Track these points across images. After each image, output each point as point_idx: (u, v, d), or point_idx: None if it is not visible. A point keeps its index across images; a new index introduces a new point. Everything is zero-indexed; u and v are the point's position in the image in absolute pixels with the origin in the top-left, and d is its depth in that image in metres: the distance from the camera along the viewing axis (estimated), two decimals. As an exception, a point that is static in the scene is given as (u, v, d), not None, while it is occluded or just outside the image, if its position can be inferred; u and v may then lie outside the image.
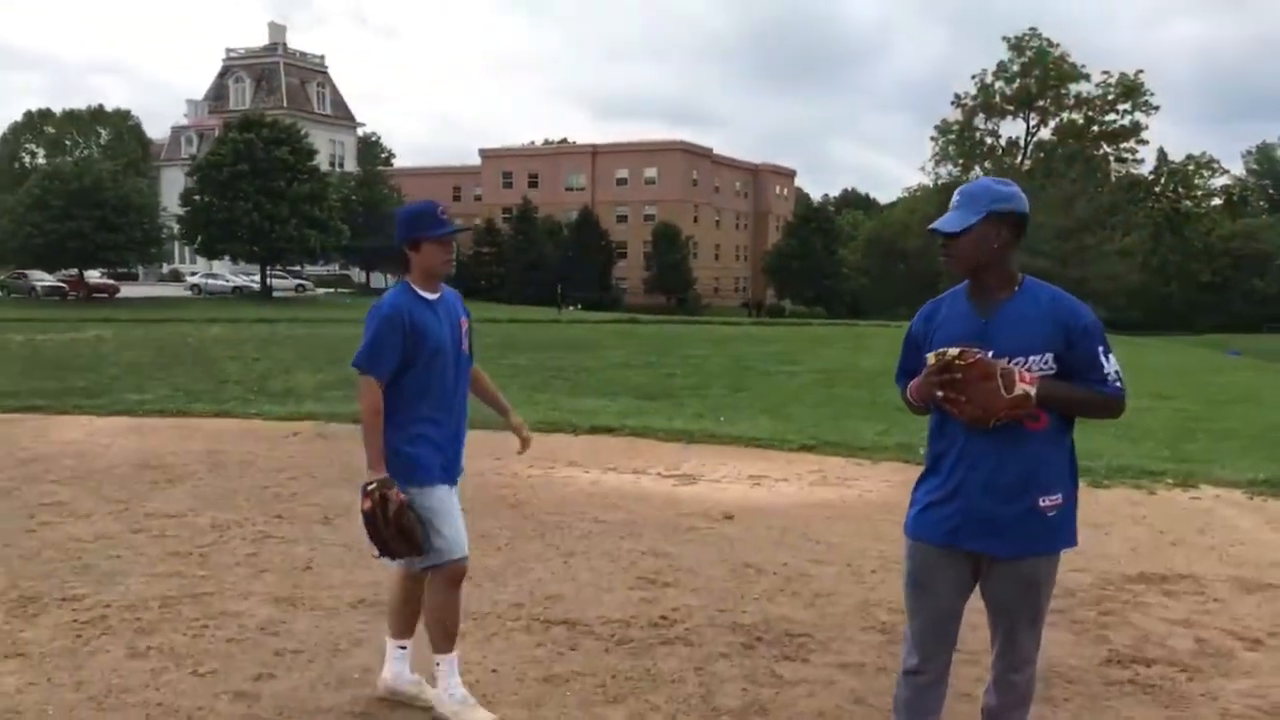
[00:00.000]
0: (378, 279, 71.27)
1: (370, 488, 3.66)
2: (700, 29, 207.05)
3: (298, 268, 62.15)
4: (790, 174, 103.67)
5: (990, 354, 2.93)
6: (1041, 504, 2.95)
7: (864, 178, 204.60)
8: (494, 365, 17.87)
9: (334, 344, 22.94)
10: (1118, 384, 2.98)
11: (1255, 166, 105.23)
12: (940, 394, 2.93)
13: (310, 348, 22.36)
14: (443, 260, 3.91)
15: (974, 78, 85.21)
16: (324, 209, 54.30)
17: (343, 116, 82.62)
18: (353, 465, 8.65)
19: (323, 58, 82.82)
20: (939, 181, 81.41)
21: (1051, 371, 2.95)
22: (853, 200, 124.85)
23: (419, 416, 3.81)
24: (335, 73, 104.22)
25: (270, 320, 34.82)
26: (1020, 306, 3.00)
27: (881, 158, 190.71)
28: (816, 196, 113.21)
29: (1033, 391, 2.87)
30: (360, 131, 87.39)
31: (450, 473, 3.92)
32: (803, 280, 79.28)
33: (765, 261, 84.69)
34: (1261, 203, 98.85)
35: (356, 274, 72.81)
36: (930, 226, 3.08)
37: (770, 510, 7.38)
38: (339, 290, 65.98)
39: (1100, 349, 2.99)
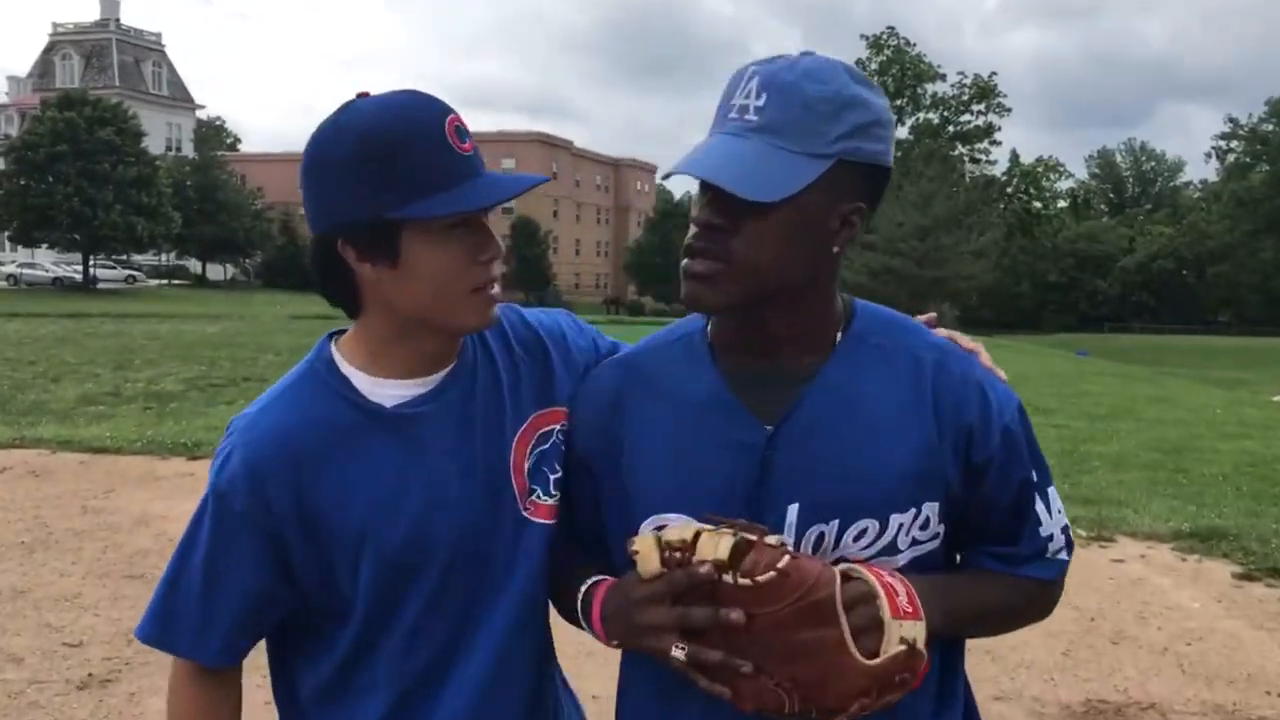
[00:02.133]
0: (215, 270, 67.45)
1: None
2: (557, 23, 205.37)
3: (125, 257, 58.17)
4: (651, 169, 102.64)
5: (789, 529, 1.35)
6: None
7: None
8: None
9: (137, 344, 20.46)
10: (1061, 553, 1.46)
11: (1097, 171, 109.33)
12: (682, 656, 1.25)
13: (106, 350, 19.77)
14: (469, 277, 1.41)
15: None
16: (153, 195, 50.73)
17: (181, 98, 78.21)
18: (55, 526, 6.76)
19: (159, 36, 78.23)
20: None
21: (933, 543, 1.39)
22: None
23: (364, 687, 1.51)
24: (175, 53, 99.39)
25: (82, 315, 31.60)
26: (852, 382, 1.39)
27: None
28: (678, 194, 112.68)
29: (921, 634, 1.24)
30: (203, 115, 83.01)
31: None
32: (663, 276, 78.31)
33: (626, 257, 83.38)
34: (1103, 205, 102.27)
35: (193, 265, 68.76)
36: (681, 172, 1.31)
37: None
38: (172, 282, 62.16)
39: (1033, 476, 1.42)
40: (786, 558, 1.21)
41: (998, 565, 1.44)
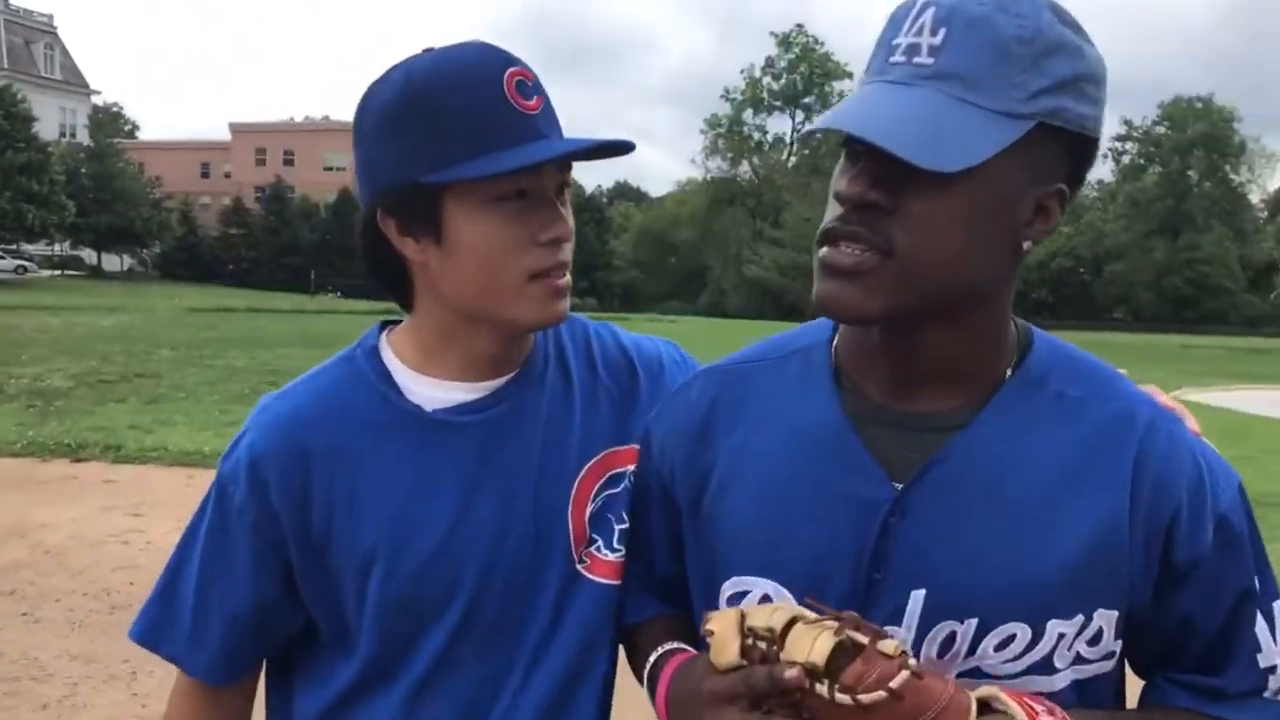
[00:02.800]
0: (111, 261, 65.34)
1: None
2: (474, 14, 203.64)
3: (14, 247, 56.02)
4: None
5: (910, 621, 1.05)
6: None
7: (634, 170, 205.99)
8: (203, 369, 15.29)
9: (25, 338, 19.61)
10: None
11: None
12: None
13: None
14: (525, 260, 1.20)
15: (743, 72, 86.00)
16: (44, 182, 48.87)
17: (75, 82, 75.48)
18: None
19: (51, 17, 75.29)
20: (709, 176, 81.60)
21: (1104, 663, 1.09)
22: (625, 192, 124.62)
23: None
24: (68, 35, 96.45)
25: (-35, 307, 30.31)
26: (1018, 437, 1.08)
27: (651, 150, 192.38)
28: (590, 187, 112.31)
29: None
30: (99, 100, 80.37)
31: None
32: (576, 271, 76.68)
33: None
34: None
35: (88, 255, 66.47)
36: (828, 128, 1.00)
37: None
38: (66, 273, 60.07)
39: (1255, 585, 1.09)
40: (904, 674, 0.92)
41: (1194, 702, 1.10)
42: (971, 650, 1.04)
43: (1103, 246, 73.70)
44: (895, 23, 1.02)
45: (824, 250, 1.03)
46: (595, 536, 1.29)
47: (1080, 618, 1.04)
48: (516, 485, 1.26)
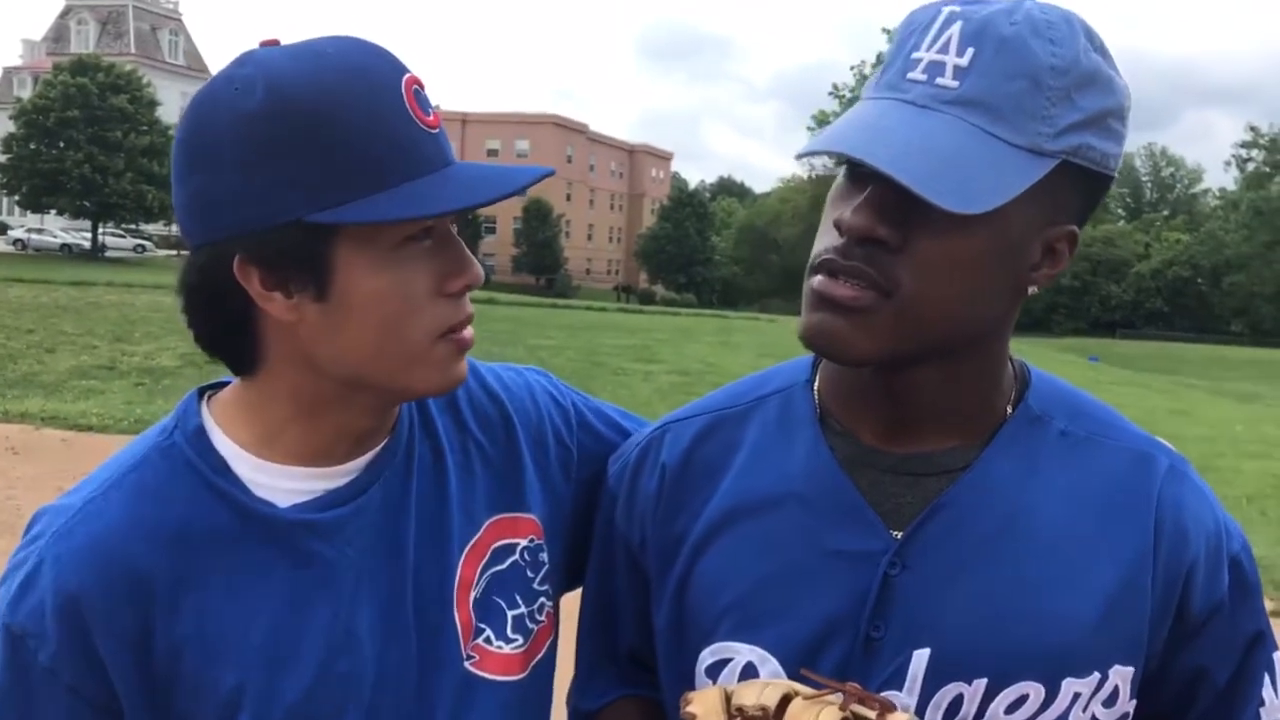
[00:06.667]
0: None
1: None
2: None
3: (135, 226, 58.01)
4: (667, 156, 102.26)
5: (912, 684, 0.95)
6: None
7: (739, 166, 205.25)
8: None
9: (139, 315, 20.20)
10: None
11: (1115, 175, 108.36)
12: None
13: (107, 320, 19.53)
14: (435, 316, 0.98)
15: (853, 69, 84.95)
16: (165, 165, 50.37)
17: (197, 68, 77.85)
18: (27, 510, 6.13)
19: (176, 4, 77.96)
20: (814, 174, 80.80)
21: None
22: (728, 187, 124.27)
23: None
24: (192, 22, 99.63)
25: (87, 284, 31.28)
26: (1023, 480, 0.99)
27: (758, 146, 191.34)
28: (693, 182, 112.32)
29: None
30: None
31: None
32: (675, 265, 77.98)
33: (638, 244, 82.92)
34: (1120, 210, 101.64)
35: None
36: (835, 152, 0.91)
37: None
38: (181, 253, 62.00)
39: (1264, 631, 1.02)
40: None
41: None
42: (980, 714, 0.95)
43: (1222, 256, 71.26)
44: (915, 29, 0.92)
45: (818, 279, 0.93)
46: (483, 626, 1.08)
47: (1096, 675, 0.96)
48: (395, 584, 1.04)
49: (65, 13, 76.33)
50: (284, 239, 0.91)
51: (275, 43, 0.96)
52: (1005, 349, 1.01)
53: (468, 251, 0.98)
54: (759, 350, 22.28)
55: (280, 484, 1.01)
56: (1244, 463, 11.60)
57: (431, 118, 0.95)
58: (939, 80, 0.89)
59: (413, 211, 0.91)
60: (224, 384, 1.08)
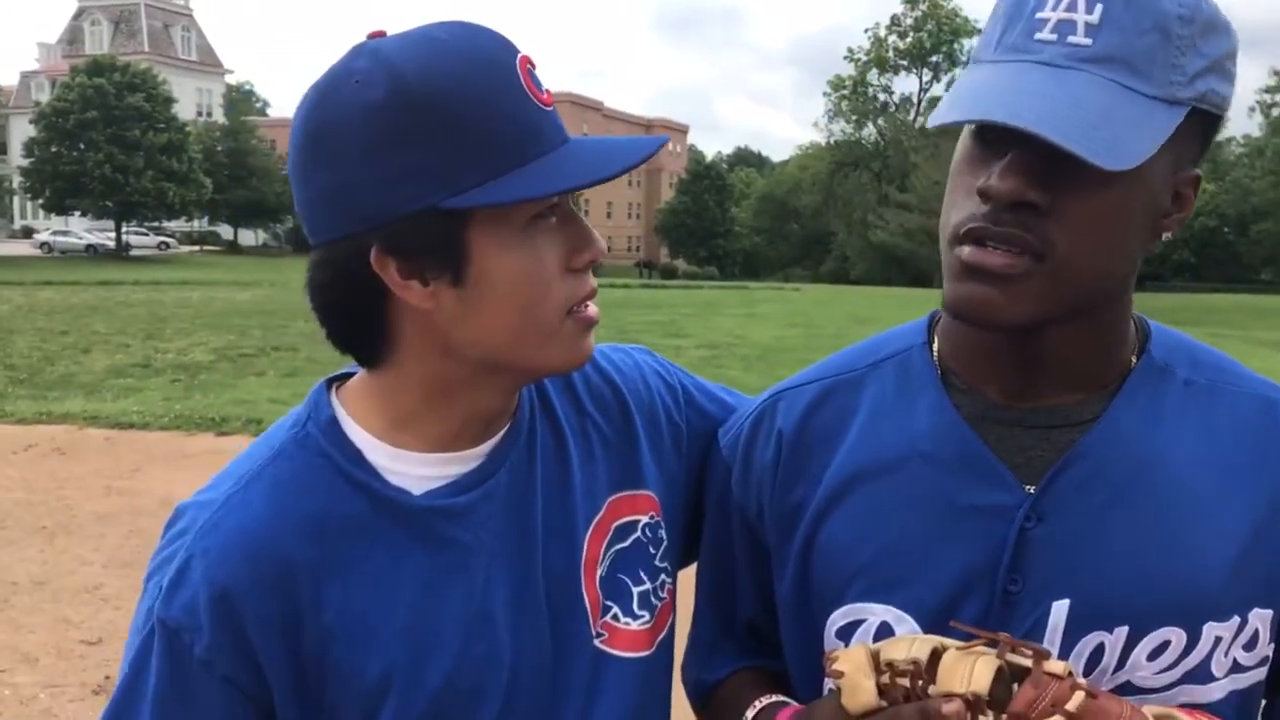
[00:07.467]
0: (247, 235, 67.59)
1: None
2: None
3: (158, 224, 58.38)
4: (683, 129, 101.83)
5: (1053, 635, 0.95)
6: None
7: (756, 135, 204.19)
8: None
9: (168, 312, 20.35)
10: None
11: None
12: None
13: (137, 319, 19.65)
14: (564, 292, 0.99)
15: (867, 31, 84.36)
16: (184, 161, 50.73)
17: (209, 63, 78.08)
18: (79, 509, 6.46)
19: (186, 1, 77.93)
20: (832, 140, 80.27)
21: (1258, 670, 0.98)
22: (746, 158, 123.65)
23: None
24: (203, 17, 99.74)
25: (115, 283, 31.62)
26: (1152, 430, 0.99)
27: (774, 114, 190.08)
28: (709, 154, 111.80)
29: None
30: (232, 80, 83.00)
31: None
32: (696, 239, 77.79)
33: (658, 220, 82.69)
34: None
35: (224, 230, 68.90)
36: (980, 119, 0.89)
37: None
38: (204, 248, 62.39)
39: None
40: (1079, 695, 0.82)
41: None
42: (1121, 663, 0.95)
43: (1249, 205, 70.30)
44: None
45: (967, 249, 0.92)
46: (610, 604, 1.10)
47: (1236, 619, 0.95)
48: (526, 565, 1.05)
49: (78, 14, 76.65)
50: (419, 227, 0.92)
51: (382, 33, 0.96)
52: (1131, 302, 1.02)
53: (589, 226, 0.99)
54: (786, 320, 22.24)
55: (413, 470, 1.03)
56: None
57: (546, 95, 0.96)
58: (1071, 39, 0.89)
59: (543, 189, 0.92)
60: (349, 374, 1.09)
